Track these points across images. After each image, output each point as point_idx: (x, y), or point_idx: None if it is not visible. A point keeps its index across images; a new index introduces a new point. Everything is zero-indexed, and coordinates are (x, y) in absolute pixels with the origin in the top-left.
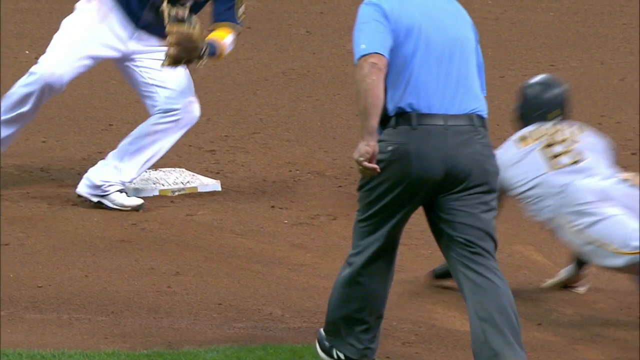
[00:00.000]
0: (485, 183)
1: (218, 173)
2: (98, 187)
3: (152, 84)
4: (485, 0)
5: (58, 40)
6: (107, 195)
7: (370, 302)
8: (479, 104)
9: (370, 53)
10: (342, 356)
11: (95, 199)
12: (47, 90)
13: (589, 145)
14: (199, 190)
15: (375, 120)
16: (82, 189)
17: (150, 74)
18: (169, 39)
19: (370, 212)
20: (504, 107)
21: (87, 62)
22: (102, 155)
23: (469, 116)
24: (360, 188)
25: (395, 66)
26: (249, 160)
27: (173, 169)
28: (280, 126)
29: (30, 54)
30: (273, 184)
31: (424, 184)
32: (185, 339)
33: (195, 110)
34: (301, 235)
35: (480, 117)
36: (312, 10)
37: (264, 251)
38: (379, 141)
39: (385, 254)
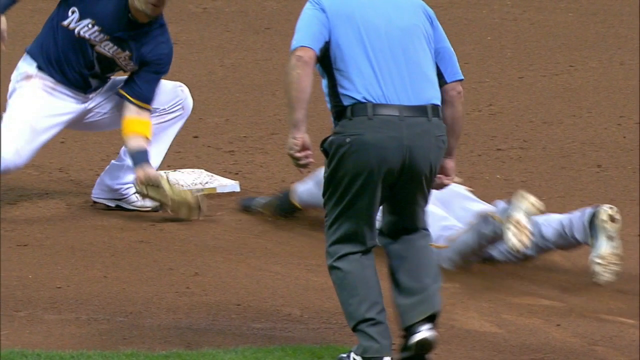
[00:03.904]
0: (430, 175)
1: (237, 174)
2: (115, 190)
3: None
4: (504, 0)
5: (13, 124)
6: (126, 197)
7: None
8: (433, 92)
9: (298, 47)
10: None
11: (112, 204)
12: (4, 173)
13: None
14: (218, 191)
15: (300, 113)
16: (98, 195)
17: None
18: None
19: (337, 211)
20: (522, 108)
21: (49, 135)
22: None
23: (424, 107)
24: (324, 194)
25: (342, 57)
26: (267, 161)
27: (192, 169)
28: None
29: None
30: (292, 184)
31: (382, 171)
32: (204, 339)
33: (188, 92)
34: (320, 236)
35: (435, 107)
36: None
37: (283, 252)
38: (335, 133)
39: (360, 251)
